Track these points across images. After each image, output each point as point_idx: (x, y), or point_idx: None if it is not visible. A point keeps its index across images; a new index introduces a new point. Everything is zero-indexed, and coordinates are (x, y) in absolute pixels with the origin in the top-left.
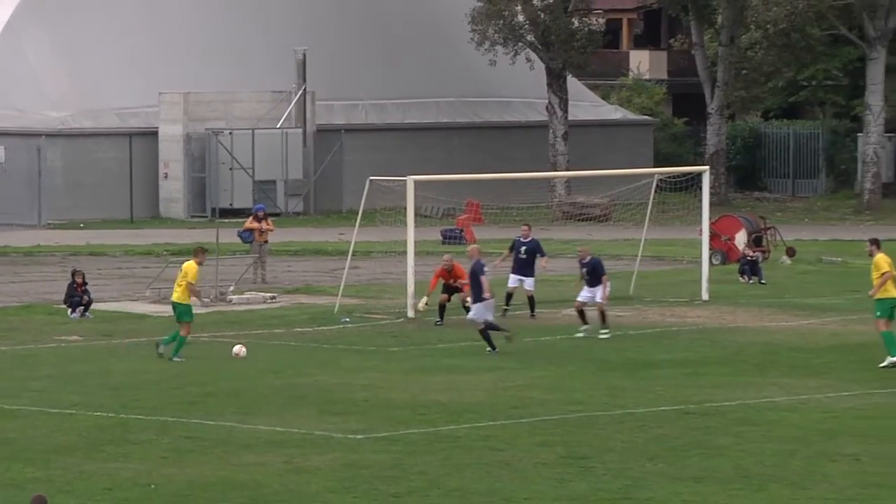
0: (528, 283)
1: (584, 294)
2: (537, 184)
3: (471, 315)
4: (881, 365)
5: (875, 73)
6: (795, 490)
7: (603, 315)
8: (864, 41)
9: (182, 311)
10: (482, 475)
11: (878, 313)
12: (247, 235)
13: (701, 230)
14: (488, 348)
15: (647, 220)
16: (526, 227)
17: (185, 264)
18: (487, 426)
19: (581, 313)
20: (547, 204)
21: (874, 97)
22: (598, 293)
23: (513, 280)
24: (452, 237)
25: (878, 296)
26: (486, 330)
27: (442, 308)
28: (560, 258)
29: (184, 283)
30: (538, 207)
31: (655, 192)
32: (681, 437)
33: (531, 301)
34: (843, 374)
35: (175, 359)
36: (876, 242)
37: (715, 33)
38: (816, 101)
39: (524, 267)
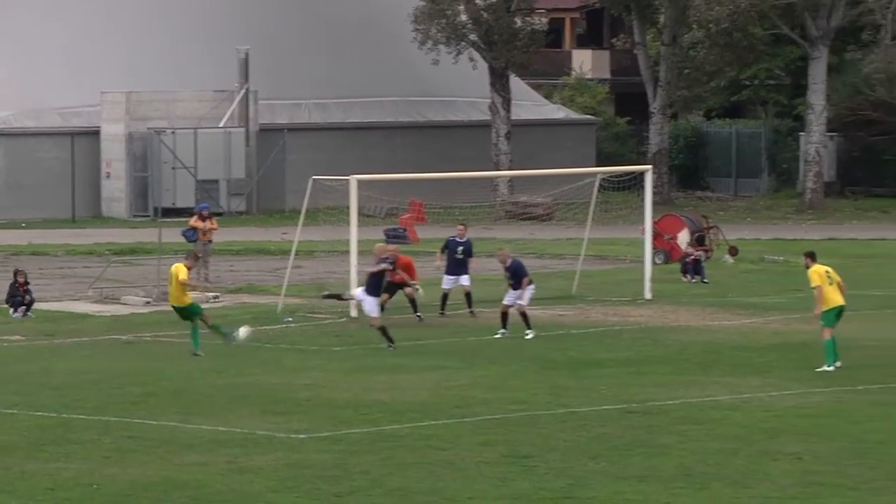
0: (465, 279)
1: (509, 297)
2: (480, 183)
3: (365, 308)
4: (818, 369)
5: (817, 73)
6: (738, 489)
7: (524, 316)
8: (807, 40)
9: (190, 311)
10: (425, 474)
11: (824, 322)
12: (191, 234)
13: (644, 229)
14: (388, 345)
15: (589, 220)
16: (462, 228)
17: (174, 267)
18: (430, 425)
19: (504, 316)
20: (490, 203)
21: (816, 96)
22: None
23: (448, 281)
24: (396, 236)
25: (823, 308)
26: (383, 327)
27: (381, 307)
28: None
29: (176, 285)
30: (481, 207)
31: (598, 191)
32: (623, 435)
33: (468, 297)
34: (786, 372)
35: (197, 352)
36: (811, 255)
37: (657, 33)
38: (759, 100)
39: (460, 267)
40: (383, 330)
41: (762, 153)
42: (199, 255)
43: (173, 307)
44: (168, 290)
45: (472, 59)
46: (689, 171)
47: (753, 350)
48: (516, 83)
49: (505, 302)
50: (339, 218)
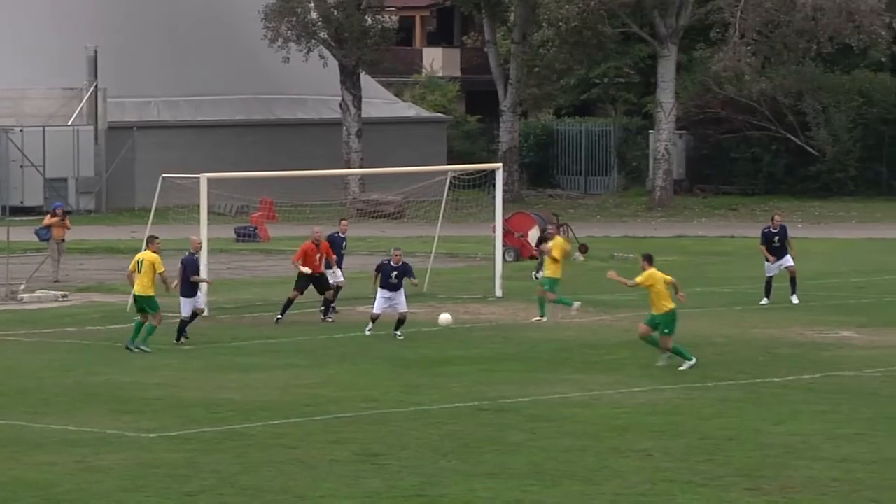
0: (340, 275)
1: (380, 303)
2: (331, 181)
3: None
4: (680, 368)
5: (666, 71)
6: (588, 486)
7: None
8: (656, 39)
9: (149, 304)
10: (275, 473)
11: (647, 321)
12: (44, 233)
13: (494, 227)
14: (182, 338)
15: (440, 218)
16: (345, 223)
17: (146, 256)
18: (281, 424)
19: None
20: (341, 201)
21: (665, 94)
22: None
23: (334, 276)
24: (246, 235)
25: (657, 311)
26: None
27: (289, 303)
28: (353, 255)
29: (149, 274)
30: (332, 205)
31: (449, 189)
32: (475, 433)
33: (336, 292)
34: (635, 370)
35: (144, 348)
36: (648, 258)
37: (507, 31)
38: (608, 98)
39: (341, 262)
40: (182, 323)
41: (612, 151)
42: (51, 253)
43: (137, 296)
44: (135, 277)
45: (322, 57)
46: (540, 169)
47: (603, 348)
48: (367, 81)
49: (376, 311)
50: (189, 216)
